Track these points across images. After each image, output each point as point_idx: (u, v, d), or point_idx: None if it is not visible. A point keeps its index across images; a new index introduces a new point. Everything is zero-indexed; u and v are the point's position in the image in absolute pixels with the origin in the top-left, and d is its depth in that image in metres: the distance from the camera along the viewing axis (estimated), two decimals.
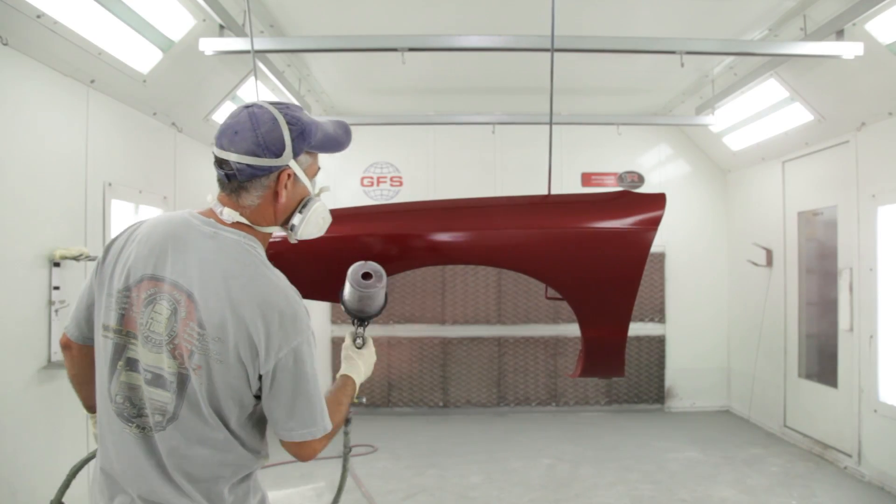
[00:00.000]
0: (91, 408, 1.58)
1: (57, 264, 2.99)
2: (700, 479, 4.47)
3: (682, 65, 3.80)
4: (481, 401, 6.39)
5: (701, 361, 6.51)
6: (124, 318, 1.29)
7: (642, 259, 2.27)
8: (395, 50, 3.59)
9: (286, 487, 4.23)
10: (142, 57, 3.54)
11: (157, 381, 1.26)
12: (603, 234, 2.31)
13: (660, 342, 6.50)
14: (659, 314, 6.50)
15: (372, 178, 6.51)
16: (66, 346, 1.50)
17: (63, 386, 3.09)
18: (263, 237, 1.37)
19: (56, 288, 2.99)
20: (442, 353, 6.31)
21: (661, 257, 6.47)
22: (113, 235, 1.41)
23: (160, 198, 4.12)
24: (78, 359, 1.49)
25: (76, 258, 3.02)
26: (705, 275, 6.54)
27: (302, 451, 1.32)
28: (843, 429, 4.61)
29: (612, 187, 6.53)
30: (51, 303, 2.97)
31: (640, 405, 6.49)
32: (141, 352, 1.27)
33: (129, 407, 1.29)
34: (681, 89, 5.66)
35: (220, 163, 1.29)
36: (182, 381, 1.24)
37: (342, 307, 1.73)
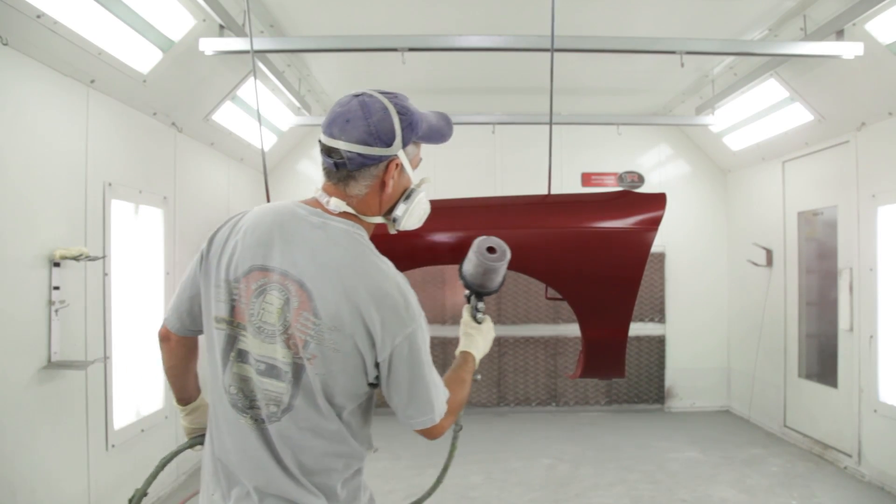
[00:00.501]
0: (184, 400, 1.65)
1: (57, 264, 2.99)
2: (700, 479, 4.47)
3: (682, 65, 3.80)
4: (481, 401, 6.39)
5: (701, 361, 6.51)
6: (234, 309, 1.28)
7: (643, 259, 2.27)
8: (395, 50, 3.59)
9: None
10: (142, 57, 3.54)
11: (270, 371, 1.25)
12: (603, 234, 2.31)
13: (660, 342, 6.50)
14: (659, 314, 6.50)
15: None
16: (164, 338, 1.52)
17: (63, 386, 3.09)
18: (368, 227, 1.36)
19: (56, 288, 2.99)
20: (442, 354, 6.30)
21: (661, 257, 6.47)
22: (214, 232, 1.38)
23: (160, 198, 4.12)
24: (176, 350, 1.53)
25: (76, 258, 3.02)
26: (705, 275, 6.54)
27: (428, 434, 1.35)
28: (843, 429, 4.61)
29: (612, 187, 6.53)
30: (51, 303, 2.97)
31: (640, 405, 6.49)
32: (252, 343, 1.27)
33: (242, 398, 1.29)
34: (681, 89, 5.66)
35: (329, 151, 1.28)
36: (297, 371, 1.24)
37: (461, 281, 1.70)
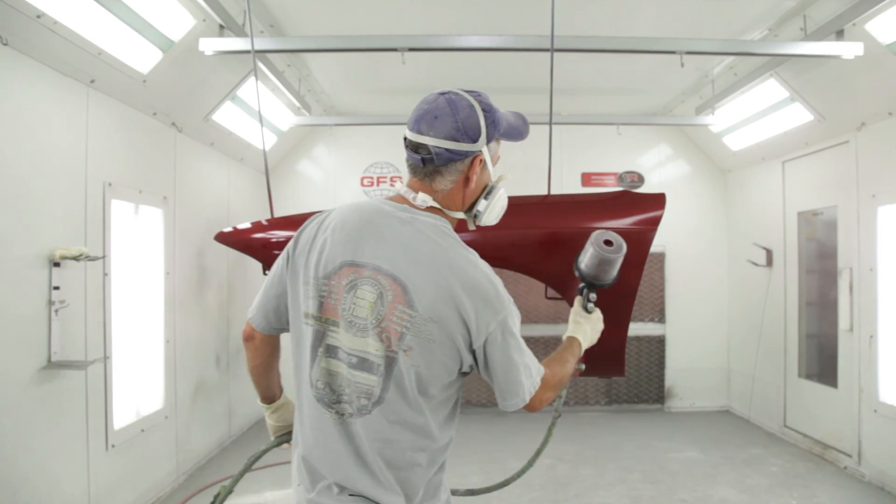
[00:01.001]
0: (268, 399, 1.68)
1: (57, 264, 2.99)
2: (700, 479, 4.47)
3: (682, 65, 3.80)
4: (481, 401, 6.39)
5: (701, 361, 6.51)
6: (323, 305, 1.32)
7: (642, 259, 2.27)
8: (395, 50, 3.59)
9: (286, 487, 4.24)
10: (142, 57, 3.54)
11: (362, 364, 1.28)
12: None
13: (660, 342, 6.50)
14: (659, 314, 6.50)
15: (372, 178, 6.51)
16: (249, 336, 1.55)
17: (63, 386, 3.09)
18: (452, 221, 1.40)
19: (56, 288, 2.99)
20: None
21: (661, 257, 6.47)
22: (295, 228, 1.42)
23: (160, 198, 4.12)
24: (261, 348, 1.56)
25: (76, 258, 3.02)
26: (705, 275, 6.54)
27: (528, 409, 1.40)
28: (843, 429, 4.61)
29: (612, 187, 6.53)
30: (51, 303, 2.97)
31: (640, 405, 6.49)
32: (343, 337, 1.30)
33: (328, 393, 1.32)
34: (681, 89, 5.66)
35: (416, 147, 1.32)
36: (390, 363, 1.27)
37: (576, 272, 1.74)
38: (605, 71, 5.14)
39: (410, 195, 1.35)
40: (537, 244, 2.34)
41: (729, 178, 6.56)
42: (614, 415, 6.37)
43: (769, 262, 5.67)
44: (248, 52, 3.27)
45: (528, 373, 1.36)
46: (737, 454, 5.00)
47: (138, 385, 3.90)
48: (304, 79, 5.30)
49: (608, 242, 1.67)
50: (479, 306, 1.27)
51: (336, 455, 1.31)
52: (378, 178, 6.50)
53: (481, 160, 1.35)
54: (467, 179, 1.35)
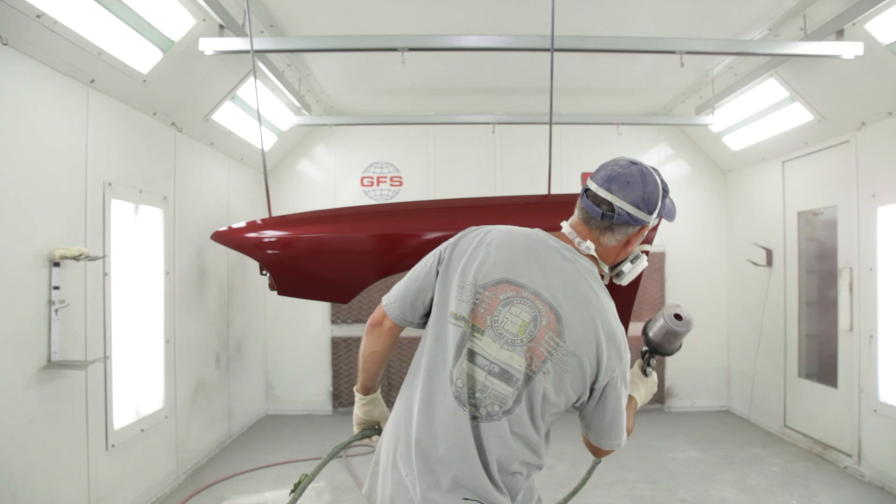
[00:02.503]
0: (369, 390, 1.78)
1: (57, 264, 2.99)
2: (700, 479, 4.47)
3: (682, 65, 3.80)
4: None
5: (701, 361, 6.51)
6: (474, 311, 1.42)
7: None
8: (395, 50, 3.59)
9: (286, 487, 4.24)
10: (142, 57, 3.54)
11: (502, 374, 1.39)
12: None
13: None
14: None
15: (372, 178, 6.51)
16: (377, 323, 1.62)
17: (63, 386, 3.09)
18: (600, 271, 1.53)
19: (56, 288, 2.99)
20: None
21: (661, 257, 6.47)
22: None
23: (160, 198, 4.12)
24: (386, 337, 1.63)
25: (76, 258, 3.02)
26: (705, 275, 6.54)
27: (603, 454, 1.59)
28: (843, 429, 4.61)
29: None
30: (51, 303, 2.97)
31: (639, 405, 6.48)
32: (487, 346, 1.40)
33: (466, 392, 1.40)
34: (681, 89, 5.66)
35: (599, 202, 1.45)
36: (527, 380, 1.38)
37: (643, 336, 1.86)
38: (605, 71, 5.14)
39: (576, 239, 1.49)
40: None
41: (729, 178, 6.56)
42: None
43: (769, 262, 5.68)
44: (247, 52, 3.27)
45: (625, 422, 1.52)
46: (737, 454, 5.00)
47: (138, 385, 3.90)
48: (304, 79, 5.29)
49: (678, 317, 1.77)
50: (612, 353, 1.41)
51: (463, 451, 1.38)
52: (378, 177, 6.50)
53: (645, 229, 1.50)
54: (628, 243, 1.50)
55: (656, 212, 1.47)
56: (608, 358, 1.40)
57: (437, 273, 1.51)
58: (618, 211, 1.43)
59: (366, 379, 1.74)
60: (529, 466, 1.46)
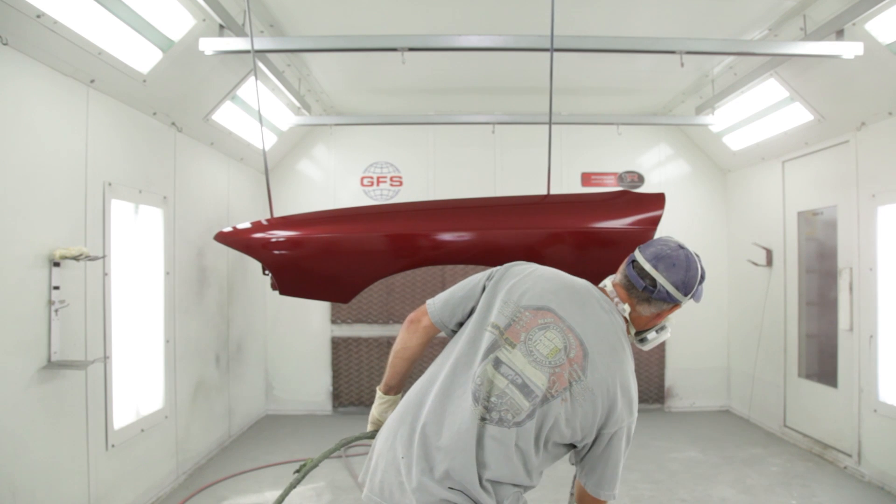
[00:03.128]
0: (392, 389, 1.82)
1: (57, 264, 2.99)
2: (700, 479, 4.47)
3: (682, 65, 3.80)
4: None
5: (701, 361, 6.51)
6: (510, 326, 1.54)
7: None
8: (395, 50, 3.59)
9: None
10: (142, 57, 3.54)
11: (523, 388, 1.48)
12: (602, 234, 2.31)
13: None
14: None
15: (372, 177, 6.51)
16: (416, 320, 1.73)
17: (63, 386, 3.09)
18: (627, 331, 1.65)
19: (56, 288, 2.99)
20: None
21: None
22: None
23: (160, 198, 4.12)
24: (420, 335, 1.73)
25: (76, 258, 3.02)
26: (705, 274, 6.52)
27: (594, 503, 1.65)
28: (843, 429, 4.61)
29: (611, 187, 6.53)
30: (51, 302, 2.97)
31: (640, 405, 6.46)
32: (517, 359, 1.50)
33: (483, 392, 1.49)
34: (681, 89, 5.66)
35: (644, 275, 1.59)
36: (545, 400, 1.48)
37: None
38: (605, 71, 5.14)
39: (615, 299, 1.63)
40: (537, 244, 2.34)
41: (729, 178, 6.56)
42: None
43: (769, 262, 5.67)
44: (248, 51, 3.27)
45: (621, 474, 1.60)
46: (737, 454, 5.00)
47: (138, 385, 3.90)
48: (304, 79, 5.29)
49: None
50: (624, 404, 1.52)
51: (463, 444, 1.45)
52: (378, 177, 6.50)
53: (677, 307, 1.62)
54: (659, 315, 1.63)
55: (691, 294, 1.60)
56: (620, 407, 1.51)
57: (484, 287, 1.65)
58: (659, 288, 1.57)
59: (391, 375, 1.79)
60: (518, 488, 1.53)
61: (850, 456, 4.49)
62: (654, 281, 1.57)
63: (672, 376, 6.53)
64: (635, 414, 1.56)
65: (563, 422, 1.48)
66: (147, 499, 3.91)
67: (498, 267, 1.69)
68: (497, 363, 1.50)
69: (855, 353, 4.42)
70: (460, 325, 1.68)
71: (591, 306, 1.57)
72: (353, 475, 4.42)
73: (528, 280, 1.60)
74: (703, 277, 1.62)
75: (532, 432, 1.47)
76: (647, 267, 1.58)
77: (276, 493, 4.20)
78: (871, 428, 4.28)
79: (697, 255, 1.63)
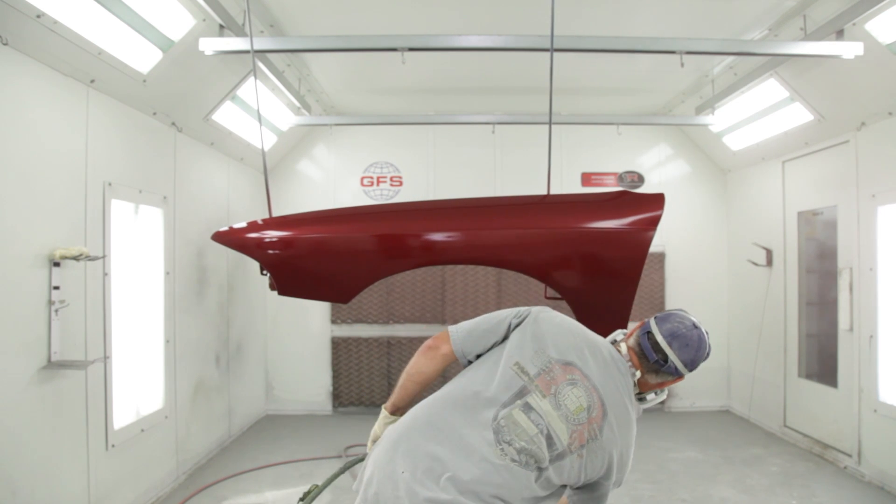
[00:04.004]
0: (399, 410, 1.82)
1: (57, 264, 2.99)
2: (700, 479, 4.47)
3: (682, 65, 3.80)
4: None
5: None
6: (541, 376, 1.60)
7: (641, 259, 2.27)
8: (395, 50, 3.59)
9: (286, 487, 4.24)
10: (142, 57, 3.54)
11: (549, 439, 1.55)
12: (602, 234, 2.31)
13: None
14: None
15: (372, 177, 6.51)
16: (434, 346, 1.75)
17: (63, 386, 3.09)
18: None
19: (56, 288, 2.99)
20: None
21: (660, 257, 6.47)
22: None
23: (160, 198, 4.12)
24: (438, 361, 1.74)
25: (76, 258, 3.02)
26: (705, 274, 6.53)
27: None
28: (842, 429, 4.60)
29: (611, 187, 6.53)
30: (51, 302, 2.97)
31: None
32: (547, 409, 1.57)
33: (506, 433, 1.54)
34: (681, 89, 5.66)
35: (657, 349, 1.68)
36: (562, 455, 1.56)
37: None
38: (605, 71, 5.14)
39: (628, 363, 1.70)
40: (536, 244, 2.34)
41: (729, 178, 6.56)
42: None
43: (769, 262, 5.67)
44: (247, 52, 3.27)
45: None
46: (737, 454, 5.00)
47: (138, 385, 3.90)
48: (304, 79, 5.29)
49: None
50: (621, 464, 1.63)
51: (480, 478, 1.48)
52: (378, 177, 6.50)
53: (680, 379, 1.72)
54: (662, 384, 1.73)
55: (694, 369, 1.70)
56: (618, 466, 1.63)
57: (510, 325, 1.71)
58: (670, 363, 1.66)
59: (400, 398, 1.79)
60: None
61: (850, 456, 4.49)
62: (665, 357, 1.66)
63: None
64: (628, 471, 1.68)
65: (574, 473, 1.58)
66: (147, 499, 3.91)
67: (526, 308, 1.74)
68: (528, 408, 1.56)
69: (855, 353, 4.42)
70: (478, 356, 1.72)
71: (609, 367, 1.65)
72: (354, 475, 4.41)
73: (555, 331, 1.67)
74: (709, 354, 1.72)
75: (545, 484, 1.56)
76: (663, 344, 1.67)
77: (276, 493, 4.20)
78: (871, 428, 4.28)
79: (707, 333, 1.73)
